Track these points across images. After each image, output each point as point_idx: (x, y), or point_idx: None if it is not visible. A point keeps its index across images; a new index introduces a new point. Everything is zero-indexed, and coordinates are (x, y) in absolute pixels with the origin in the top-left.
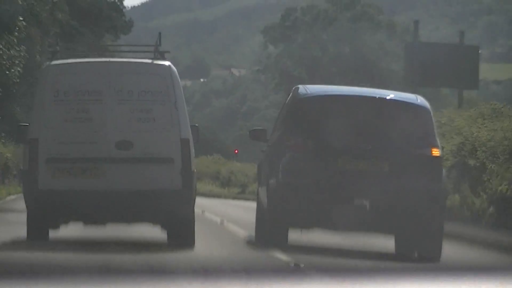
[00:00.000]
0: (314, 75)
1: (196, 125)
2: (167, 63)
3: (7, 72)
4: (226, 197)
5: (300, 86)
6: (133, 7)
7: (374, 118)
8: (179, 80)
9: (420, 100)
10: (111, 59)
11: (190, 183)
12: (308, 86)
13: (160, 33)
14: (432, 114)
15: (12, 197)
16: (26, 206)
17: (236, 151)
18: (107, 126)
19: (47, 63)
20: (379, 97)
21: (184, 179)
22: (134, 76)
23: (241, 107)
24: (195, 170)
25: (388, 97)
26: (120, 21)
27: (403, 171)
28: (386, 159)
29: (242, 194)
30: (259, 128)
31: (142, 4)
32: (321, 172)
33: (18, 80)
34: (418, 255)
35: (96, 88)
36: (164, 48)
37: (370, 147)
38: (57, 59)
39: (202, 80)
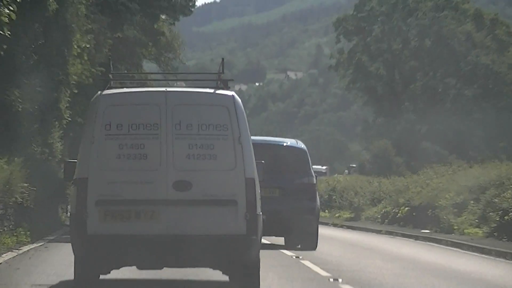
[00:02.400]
0: (394, 70)
1: (262, 161)
2: (230, 92)
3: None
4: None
5: None
6: None
7: (270, 158)
8: (244, 112)
9: (299, 143)
10: (169, 89)
11: (256, 228)
12: None
13: (223, 59)
14: (308, 153)
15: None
16: (74, 252)
17: None
18: (163, 164)
19: (98, 93)
20: (273, 144)
21: (249, 223)
22: (194, 107)
23: (298, 111)
24: (261, 213)
25: (278, 143)
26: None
27: (290, 194)
28: (278, 187)
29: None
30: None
31: (196, 8)
32: None
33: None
34: (301, 247)
35: (152, 121)
36: (218, 53)
37: (263, 180)
38: (110, 88)
39: (257, 84)
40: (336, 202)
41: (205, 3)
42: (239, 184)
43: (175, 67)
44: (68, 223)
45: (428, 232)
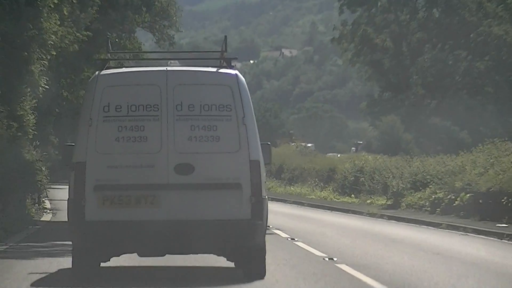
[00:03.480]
0: (401, 42)
1: (268, 143)
2: (234, 71)
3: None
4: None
5: None
6: None
7: None
8: (248, 92)
9: None
10: (169, 67)
11: (261, 212)
12: None
13: (226, 37)
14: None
15: None
16: (71, 239)
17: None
18: (164, 146)
19: (96, 73)
20: None
21: (254, 207)
22: (196, 87)
23: (293, 89)
24: (266, 196)
25: None
26: None
27: None
28: None
29: None
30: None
31: None
32: None
33: None
34: None
35: (152, 101)
36: (211, 32)
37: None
38: (108, 68)
39: (251, 61)
40: (365, 185)
41: None
42: (243, 166)
43: (171, 35)
44: (39, 217)
45: (507, 227)
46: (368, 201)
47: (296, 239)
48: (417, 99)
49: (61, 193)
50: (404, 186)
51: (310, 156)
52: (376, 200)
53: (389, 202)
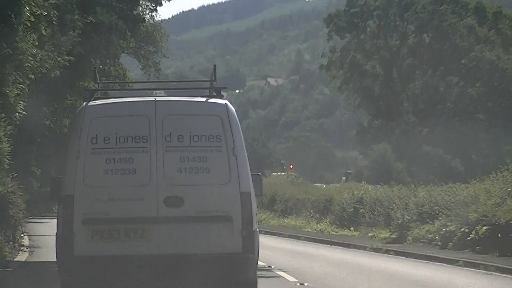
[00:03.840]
0: (391, 68)
1: (259, 174)
2: (223, 101)
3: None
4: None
5: None
6: (164, 20)
7: None
8: (238, 121)
9: None
10: (158, 98)
11: (253, 245)
12: None
13: (215, 66)
14: None
15: None
16: (59, 275)
17: (292, 166)
18: (153, 179)
19: (84, 104)
20: None
21: (245, 240)
22: (185, 117)
23: (280, 118)
24: (257, 229)
25: None
26: None
27: None
28: None
29: None
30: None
31: (173, 17)
32: None
33: None
34: None
35: (141, 133)
36: (197, 61)
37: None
38: (96, 98)
39: (237, 91)
40: (365, 217)
41: (182, 11)
42: (234, 199)
43: (157, 61)
44: (13, 256)
45: None
46: (370, 234)
47: (306, 284)
48: (408, 126)
49: (42, 227)
50: (409, 218)
51: (303, 187)
52: (379, 233)
53: (393, 236)
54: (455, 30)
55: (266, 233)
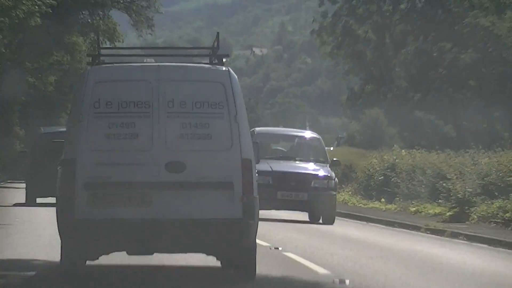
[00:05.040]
0: (384, 33)
1: (257, 141)
2: (225, 68)
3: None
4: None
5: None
6: None
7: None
8: (240, 89)
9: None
10: (162, 63)
11: (253, 211)
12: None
13: (218, 33)
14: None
15: None
16: (60, 237)
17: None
18: (155, 144)
19: (87, 68)
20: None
21: (246, 206)
22: (188, 83)
23: (264, 86)
24: (257, 196)
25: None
26: None
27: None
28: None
29: None
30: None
31: None
32: None
33: None
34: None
35: (143, 98)
36: (185, 31)
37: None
38: (99, 63)
39: (224, 60)
40: (399, 187)
41: None
42: (235, 165)
43: (150, 17)
44: None
45: None
46: (412, 209)
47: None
48: (400, 92)
49: (16, 194)
50: (471, 190)
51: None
52: (424, 207)
53: (450, 213)
54: None
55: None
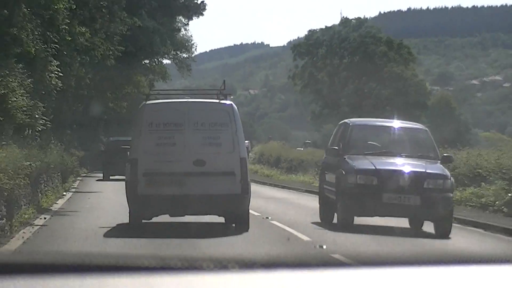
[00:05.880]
0: (334, 78)
1: (247, 141)
2: (229, 102)
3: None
4: None
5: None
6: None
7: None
8: (238, 115)
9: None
10: (189, 100)
11: (247, 190)
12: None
13: (224, 81)
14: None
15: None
16: (129, 206)
17: (271, 137)
18: (186, 149)
19: (143, 103)
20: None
21: (243, 186)
22: (206, 112)
23: (256, 112)
24: (249, 180)
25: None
26: (192, 2)
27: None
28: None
29: None
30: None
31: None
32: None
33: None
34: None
35: (178, 121)
36: (207, 79)
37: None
38: (150, 99)
39: (232, 97)
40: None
41: (200, 52)
42: (236, 161)
43: (188, 64)
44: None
45: None
46: None
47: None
48: (344, 114)
49: (97, 175)
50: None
51: (296, 151)
52: None
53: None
54: (374, 53)
55: (283, 187)
